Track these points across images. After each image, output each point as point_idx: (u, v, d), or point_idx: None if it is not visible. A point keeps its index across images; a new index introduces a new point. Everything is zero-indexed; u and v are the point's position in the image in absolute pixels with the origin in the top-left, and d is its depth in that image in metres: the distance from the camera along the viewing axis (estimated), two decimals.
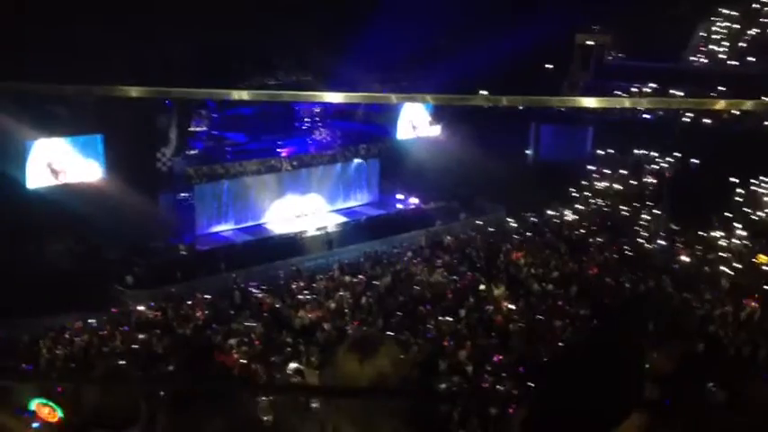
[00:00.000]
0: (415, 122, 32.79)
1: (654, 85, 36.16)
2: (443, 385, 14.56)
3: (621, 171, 34.26)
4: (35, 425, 6.67)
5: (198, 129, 29.61)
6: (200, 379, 2.40)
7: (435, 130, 33.32)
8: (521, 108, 29.91)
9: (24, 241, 22.65)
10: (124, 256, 24.90)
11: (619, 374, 2.09)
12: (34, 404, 7.65)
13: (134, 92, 1.93)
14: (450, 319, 19.52)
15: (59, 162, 24.43)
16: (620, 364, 2.12)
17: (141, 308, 21.93)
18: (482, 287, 22.18)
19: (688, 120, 33.66)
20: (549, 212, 30.69)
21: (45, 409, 7.57)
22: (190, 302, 22.18)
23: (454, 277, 23.52)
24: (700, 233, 27.08)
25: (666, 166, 34.12)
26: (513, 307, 20.42)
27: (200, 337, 19.11)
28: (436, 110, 32.29)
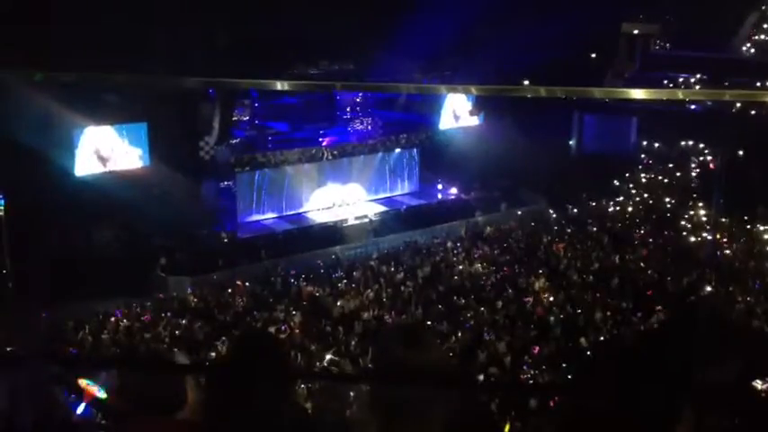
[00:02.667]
0: (458, 112, 32.58)
1: (703, 76, 35.40)
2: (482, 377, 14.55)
3: (667, 162, 33.64)
4: (83, 405, 6.79)
5: (240, 118, 29.83)
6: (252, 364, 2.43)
7: (477, 120, 33.05)
8: (563, 98, 29.53)
9: (72, 228, 23.10)
10: (168, 243, 25.24)
11: (666, 380, 2.06)
12: (82, 384, 7.78)
13: (187, 82, 1.95)
14: (490, 311, 19.45)
15: (106, 150, 24.84)
16: (668, 369, 2.09)
17: (183, 294, 22.27)
18: (522, 278, 22.05)
19: (736, 110, 32.90)
20: (592, 204, 30.29)
21: (93, 388, 7.70)
22: (230, 290, 22.44)
23: (494, 268, 23.40)
24: (747, 226, 26.52)
25: (713, 157, 33.42)
26: (552, 299, 20.26)
27: (240, 325, 19.32)
28: (478, 99, 32.01)
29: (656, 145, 34.43)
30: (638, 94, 2.61)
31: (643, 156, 34.49)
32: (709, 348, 2.46)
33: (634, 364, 2.14)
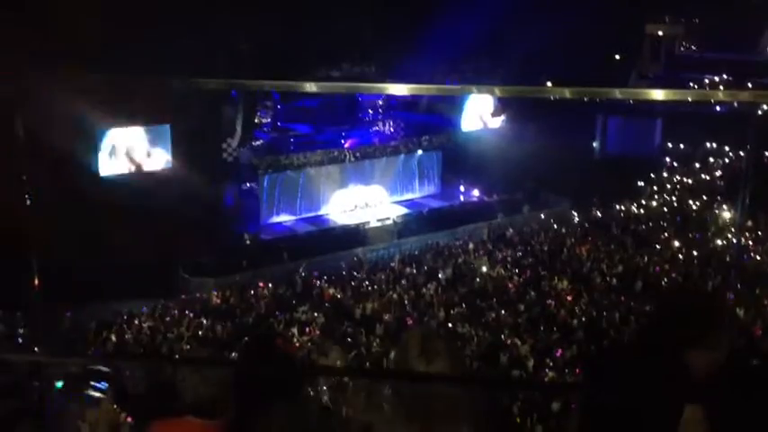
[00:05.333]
0: (481, 114, 32.49)
1: (728, 77, 35.04)
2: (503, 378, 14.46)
3: (692, 164, 33.30)
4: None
5: (263, 120, 29.97)
6: (264, 365, 2.43)
7: (499, 122, 32.95)
8: (587, 99, 29.35)
9: (95, 228, 23.29)
10: (191, 244, 25.38)
11: (663, 374, 2.09)
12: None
13: (212, 84, 1.96)
14: (512, 313, 19.36)
15: (131, 151, 25.06)
16: (664, 364, 2.12)
17: (207, 295, 22.41)
18: (544, 281, 21.94)
19: (762, 112, 32.48)
20: (616, 206, 30.06)
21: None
22: (253, 291, 22.53)
23: (516, 270, 23.29)
24: None
25: (736, 159, 33.03)
26: (575, 302, 20.13)
27: (262, 326, 19.39)
28: (501, 101, 31.91)
29: (681, 146, 34.11)
30: (660, 95, 2.58)
31: (667, 158, 34.16)
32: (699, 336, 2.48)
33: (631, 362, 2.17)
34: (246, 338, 17.18)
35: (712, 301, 2.76)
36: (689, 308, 2.63)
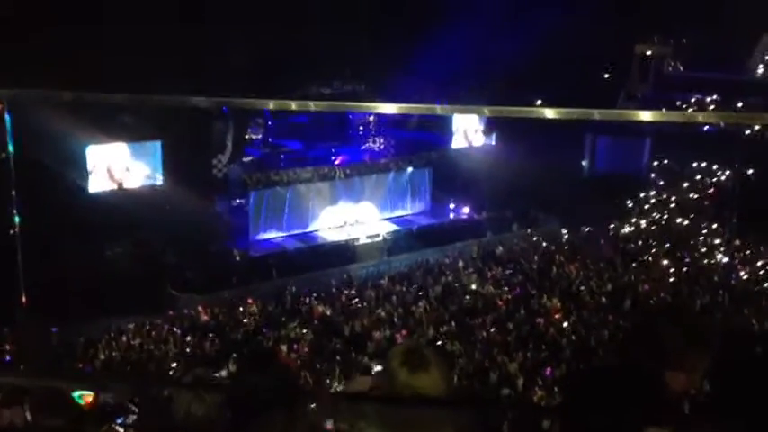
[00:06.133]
0: (469, 132, 32.64)
1: (716, 97, 35.34)
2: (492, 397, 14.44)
3: (680, 183, 33.51)
4: None
5: (254, 136, 29.98)
6: (265, 383, 2.42)
7: (489, 141, 33.08)
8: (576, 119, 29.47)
9: (84, 244, 23.21)
10: (180, 260, 25.31)
11: (631, 394, 2.13)
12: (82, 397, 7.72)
13: (201, 102, 1.97)
14: (501, 331, 19.35)
15: (119, 167, 24.99)
16: (632, 384, 2.17)
17: (195, 312, 22.29)
18: (534, 299, 21.96)
19: (750, 132, 32.78)
20: (605, 225, 30.17)
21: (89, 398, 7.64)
22: (242, 308, 22.44)
23: (506, 288, 23.31)
24: (761, 248, 26.33)
25: (725, 179, 33.27)
26: (564, 320, 20.15)
27: (250, 343, 19.31)
28: (490, 120, 32.07)
29: (669, 165, 34.32)
30: (647, 116, 2.61)
31: (654, 176, 34.36)
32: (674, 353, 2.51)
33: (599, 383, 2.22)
34: (246, 350, 17.09)
35: (693, 323, 2.77)
36: (668, 329, 2.64)
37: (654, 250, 27.19)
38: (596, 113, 2.41)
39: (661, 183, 33.87)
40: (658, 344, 2.57)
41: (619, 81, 37.24)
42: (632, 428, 2.07)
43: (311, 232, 29.93)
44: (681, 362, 2.55)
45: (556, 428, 2.44)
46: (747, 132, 32.71)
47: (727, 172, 33.08)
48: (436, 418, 2.46)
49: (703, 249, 27.22)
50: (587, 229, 29.65)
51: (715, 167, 33.81)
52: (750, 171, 31.61)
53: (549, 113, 2.22)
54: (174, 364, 17.80)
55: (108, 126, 23.62)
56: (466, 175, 31.71)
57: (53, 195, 21.33)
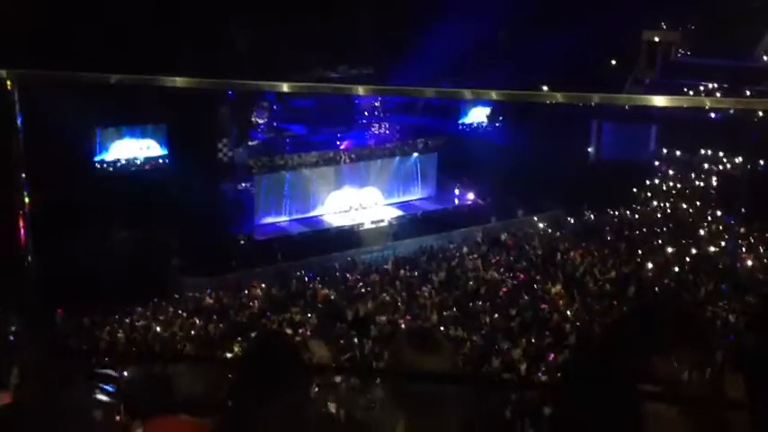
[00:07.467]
0: (476, 118, 32.56)
1: (724, 84, 35.14)
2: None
3: (687, 171, 33.39)
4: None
5: (259, 120, 29.97)
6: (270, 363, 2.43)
7: (495, 126, 33.02)
8: (582, 105, 29.40)
9: (89, 228, 23.28)
10: (185, 244, 25.38)
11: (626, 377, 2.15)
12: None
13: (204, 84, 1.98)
14: (505, 317, 19.37)
15: (126, 150, 25.02)
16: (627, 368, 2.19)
17: (200, 295, 22.37)
18: (538, 285, 21.95)
19: (758, 119, 32.58)
20: (610, 211, 30.11)
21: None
22: (246, 291, 22.50)
23: (510, 274, 23.30)
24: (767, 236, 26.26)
25: (732, 166, 33.13)
26: (568, 306, 20.14)
27: (255, 326, 19.37)
28: (497, 106, 31.99)
29: (677, 153, 34.20)
30: (658, 101, 2.59)
31: (660, 163, 34.24)
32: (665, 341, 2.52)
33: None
34: (257, 332, 17.11)
35: (687, 316, 2.76)
36: (661, 318, 2.63)
37: (659, 238, 27.12)
38: (596, 98, 2.40)
39: (667, 170, 33.74)
40: (653, 327, 2.57)
41: (626, 67, 37.06)
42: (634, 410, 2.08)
43: (316, 217, 29.96)
44: (671, 349, 2.55)
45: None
46: (755, 119, 32.51)
47: (735, 160, 32.93)
48: (446, 396, 2.48)
49: (709, 237, 27.13)
50: (592, 216, 29.60)
51: (721, 155, 33.66)
52: (754, 158, 31.46)
53: (559, 97, 2.22)
54: (180, 347, 17.87)
55: (114, 109, 23.61)
56: (471, 161, 31.65)
57: (61, 177, 21.35)
